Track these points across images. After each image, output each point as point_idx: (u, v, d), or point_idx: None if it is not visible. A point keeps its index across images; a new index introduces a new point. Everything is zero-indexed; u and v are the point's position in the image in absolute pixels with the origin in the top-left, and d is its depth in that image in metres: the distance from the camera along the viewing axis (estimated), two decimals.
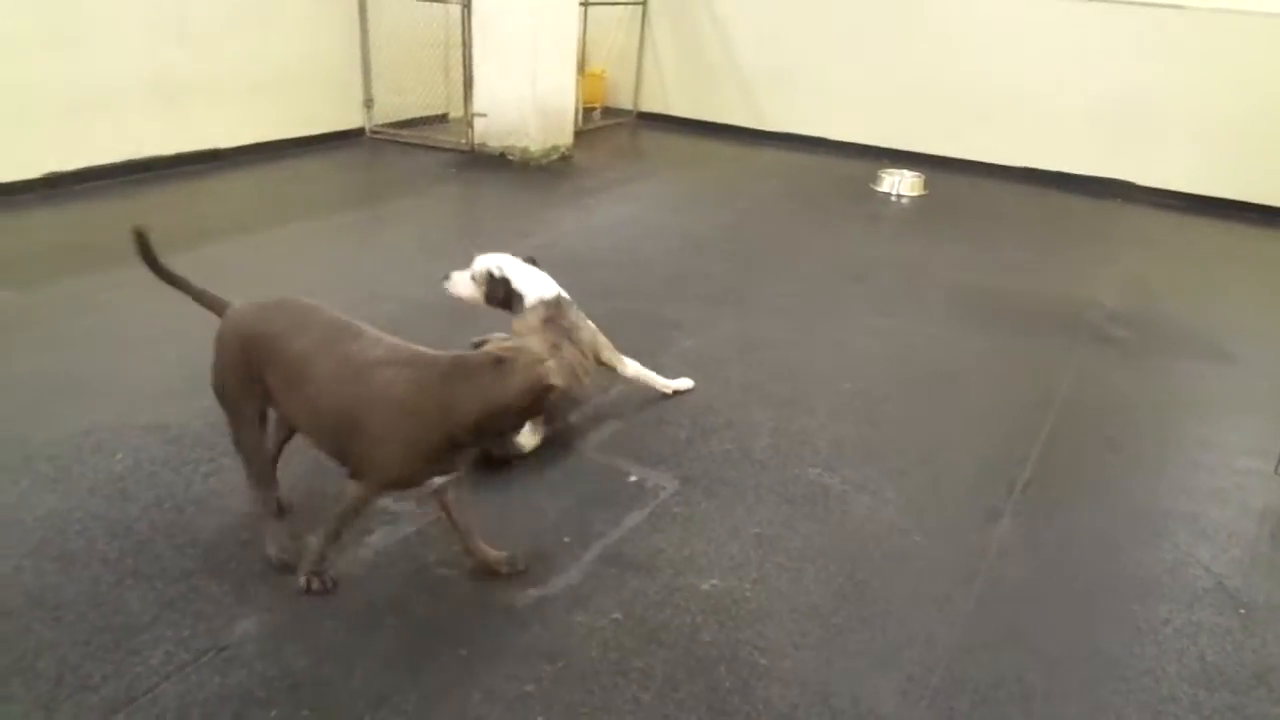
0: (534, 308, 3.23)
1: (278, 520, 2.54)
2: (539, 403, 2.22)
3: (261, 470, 2.48)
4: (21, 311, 3.98)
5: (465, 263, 3.39)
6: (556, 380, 2.21)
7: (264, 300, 2.45)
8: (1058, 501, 3.15)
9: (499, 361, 2.17)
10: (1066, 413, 3.77)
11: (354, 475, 2.30)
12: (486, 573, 2.51)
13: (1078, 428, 3.67)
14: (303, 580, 2.39)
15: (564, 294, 3.31)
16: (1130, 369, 4.32)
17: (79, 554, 2.48)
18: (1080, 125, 7.80)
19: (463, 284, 3.38)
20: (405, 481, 2.33)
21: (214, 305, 2.47)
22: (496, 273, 3.29)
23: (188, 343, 3.71)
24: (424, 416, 2.17)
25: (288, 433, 2.59)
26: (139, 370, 3.52)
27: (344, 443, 2.27)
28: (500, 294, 3.30)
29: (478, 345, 2.39)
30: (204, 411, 3.22)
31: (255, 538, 2.53)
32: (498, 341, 2.40)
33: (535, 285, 3.29)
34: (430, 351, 2.29)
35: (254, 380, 2.35)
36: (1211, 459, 3.51)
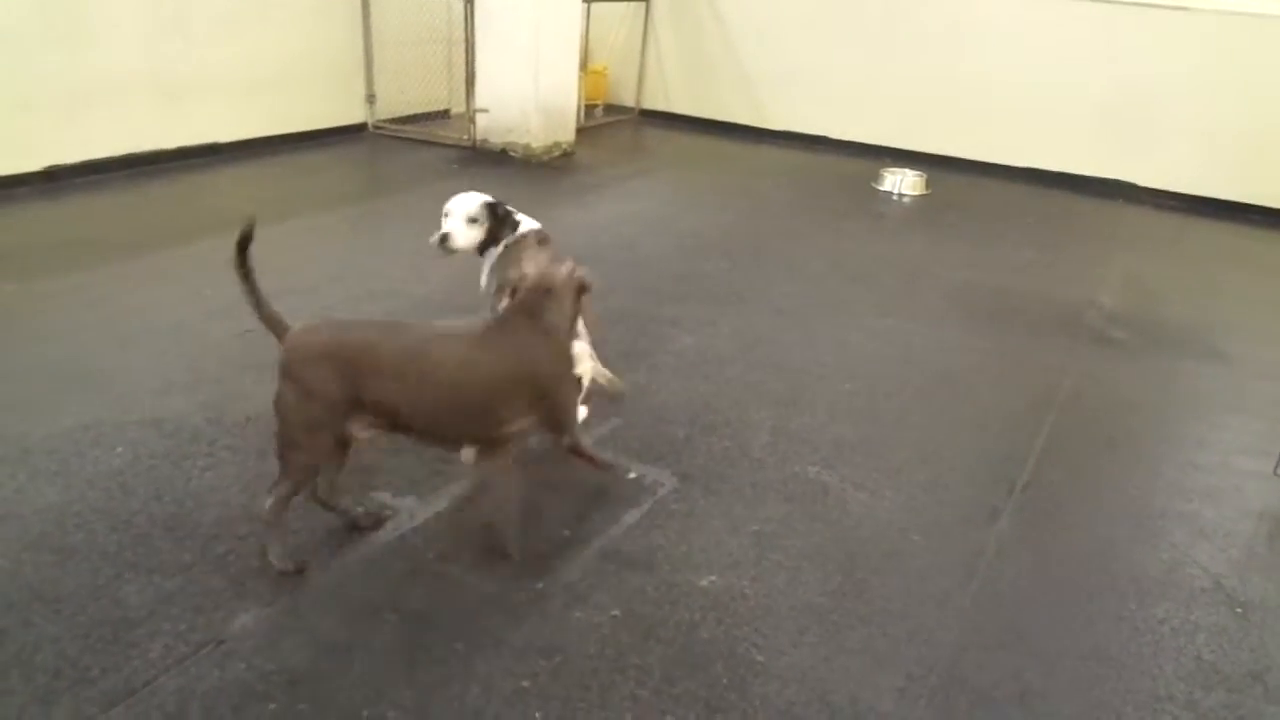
0: (526, 235, 3.27)
1: (285, 530, 2.51)
2: (580, 302, 2.57)
3: (302, 489, 2.45)
4: (21, 305, 3.98)
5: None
6: (589, 278, 2.54)
7: (326, 320, 2.55)
8: (1056, 501, 3.15)
9: (547, 290, 2.50)
10: (1066, 413, 3.77)
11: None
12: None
13: (1077, 428, 3.67)
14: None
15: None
16: (1130, 369, 4.32)
17: (78, 547, 2.49)
18: (1083, 125, 7.80)
19: (461, 233, 3.27)
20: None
21: (274, 324, 2.36)
22: (494, 202, 3.29)
23: (186, 337, 3.74)
24: (567, 353, 2.57)
25: None
26: (138, 364, 3.52)
27: (516, 411, 2.47)
28: (505, 224, 3.27)
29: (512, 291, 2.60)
30: (202, 406, 3.23)
31: (257, 535, 2.54)
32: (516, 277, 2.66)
33: (523, 216, 3.35)
34: (494, 316, 2.67)
35: (346, 398, 2.31)
36: (1210, 459, 3.51)
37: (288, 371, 2.30)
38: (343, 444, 2.45)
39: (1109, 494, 3.25)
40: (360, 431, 2.40)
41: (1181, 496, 3.24)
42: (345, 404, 2.31)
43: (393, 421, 2.39)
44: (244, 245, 2.38)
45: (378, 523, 2.70)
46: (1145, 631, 2.53)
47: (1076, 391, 3.98)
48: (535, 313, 2.49)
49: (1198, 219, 7.30)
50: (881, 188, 7.39)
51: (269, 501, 2.41)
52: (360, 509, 2.71)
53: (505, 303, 2.62)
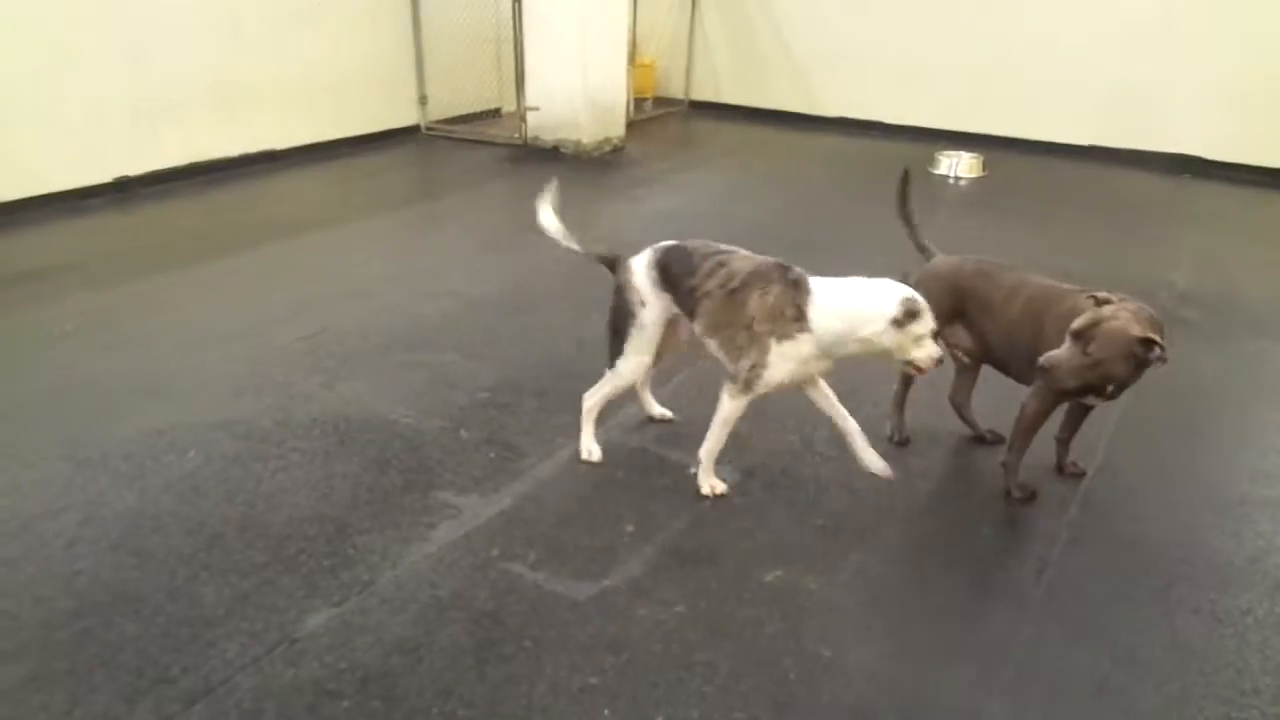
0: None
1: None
2: None
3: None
4: (97, 313, 4.10)
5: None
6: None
7: (958, 258, 3.20)
8: (1130, 488, 3.07)
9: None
10: (1138, 397, 3.63)
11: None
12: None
13: (1149, 412, 3.56)
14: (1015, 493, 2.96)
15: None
16: (1203, 351, 4.18)
17: (156, 550, 2.56)
18: (1146, 99, 7.56)
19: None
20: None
21: (923, 251, 3.33)
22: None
23: (253, 341, 3.81)
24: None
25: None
26: (208, 368, 3.61)
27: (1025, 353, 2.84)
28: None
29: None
30: (270, 409, 3.30)
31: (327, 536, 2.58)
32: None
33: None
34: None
35: (955, 316, 3.06)
36: None
37: (917, 284, 2.90)
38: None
39: (1185, 480, 3.16)
40: (959, 342, 3.05)
41: (1263, 482, 3.13)
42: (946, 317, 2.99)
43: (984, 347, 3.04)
44: (904, 185, 3.48)
45: (998, 439, 3.19)
46: (1228, 623, 2.45)
47: (1147, 375, 3.85)
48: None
49: (1272, 192, 7.04)
50: (937, 171, 7.26)
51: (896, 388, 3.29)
52: (986, 428, 3.29)
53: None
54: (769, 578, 2.54)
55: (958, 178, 7.17)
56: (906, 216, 3.48)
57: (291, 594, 2.40)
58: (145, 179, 5.88)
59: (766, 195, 6.63)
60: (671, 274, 2.88)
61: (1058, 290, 2.93)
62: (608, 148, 7.55)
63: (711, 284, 2.79)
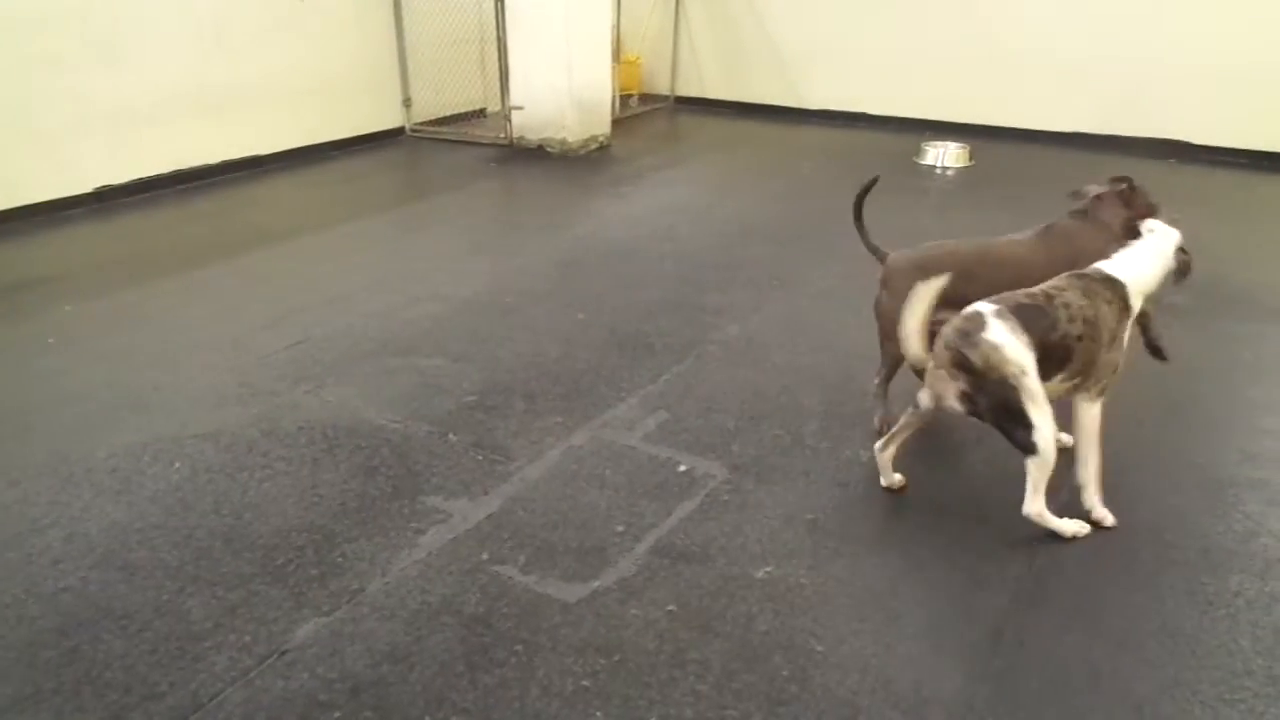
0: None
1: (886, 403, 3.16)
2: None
3: (894, 372, 3.19)
4: (79, 325, 4.08)
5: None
6: None
7: (917, 246, 3.21)
8: (1119, 472, 3.06)
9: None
10: (1125, 381, 3.65)
11: None
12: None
13: (1136, 396, 3.56)
14: None
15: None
16: (1190, 334, 4.18)
17: (142, 563, 2.54)
18: (1129, 84, 7.56)
19: None
20: None
21: (876, 251, 3.29)
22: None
23: (238, 351, 3.79)
24: None
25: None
26: (193, 378, 3.59)
27: None
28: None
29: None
30: (256, 419, 3.28)
31: (323, 540, 2.57)
32: None
33: None
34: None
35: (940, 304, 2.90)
36: (1277, 424, 3.39)
37: (885, 281, 3.08)
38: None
39: (1174, 463, 3.16)
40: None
41: (1251, 464, 3.13)
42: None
43: None
44: (864, 192, 3.45)
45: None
46: (1219, 605, 2.45)
47: (1135, 359, 3.86)
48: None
49: (1258, 175, 7.05)
50: (924, 162, 7.25)
51: (875, 381, 3.22)
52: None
53: None
54: (760, 574, 2.53)
55: (944, 168, 7.17)
56: (860, 225, 3.54)
57: (280, 605, 2.39)
58: (127, 188, 5.86)
59: (753, 189, 6.62)
60: (1036, 335, 2.62)
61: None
62: (594, 145, 7.53)
63: (1078, 326, 2.67)
